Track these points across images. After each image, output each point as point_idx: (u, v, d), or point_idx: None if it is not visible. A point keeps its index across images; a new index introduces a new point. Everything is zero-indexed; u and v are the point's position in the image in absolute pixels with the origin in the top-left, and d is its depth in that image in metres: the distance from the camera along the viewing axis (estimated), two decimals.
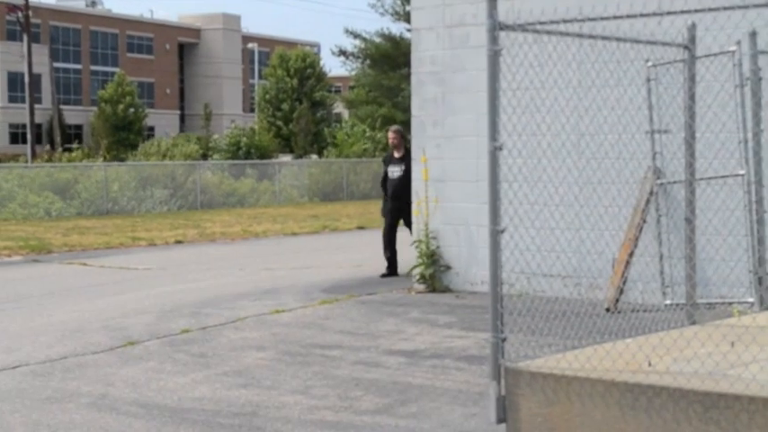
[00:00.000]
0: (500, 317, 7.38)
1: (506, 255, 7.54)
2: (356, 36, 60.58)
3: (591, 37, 7.87)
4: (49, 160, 46.12)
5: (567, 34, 7.69)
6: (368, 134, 48.46)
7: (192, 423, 8.03)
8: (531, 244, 8.34)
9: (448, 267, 14.74)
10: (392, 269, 16.52)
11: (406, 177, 15.84)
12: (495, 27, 7.00)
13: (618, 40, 8.12)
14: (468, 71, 14.36)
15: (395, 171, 16.49)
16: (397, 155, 16.62)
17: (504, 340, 7.44)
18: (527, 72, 7.93)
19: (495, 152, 7.20)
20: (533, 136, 8.96)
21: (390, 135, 16.95)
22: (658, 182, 12.33)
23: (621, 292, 12.07)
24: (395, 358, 10.29)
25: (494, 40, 7.02)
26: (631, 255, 12.24)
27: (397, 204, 16.29)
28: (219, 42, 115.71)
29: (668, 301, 11.88)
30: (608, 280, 12.27)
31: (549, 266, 9.58)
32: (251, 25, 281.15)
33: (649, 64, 11.98)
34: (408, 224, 15.89)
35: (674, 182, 12.07)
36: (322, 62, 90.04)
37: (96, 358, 10.52)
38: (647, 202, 12.30)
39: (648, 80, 12.19)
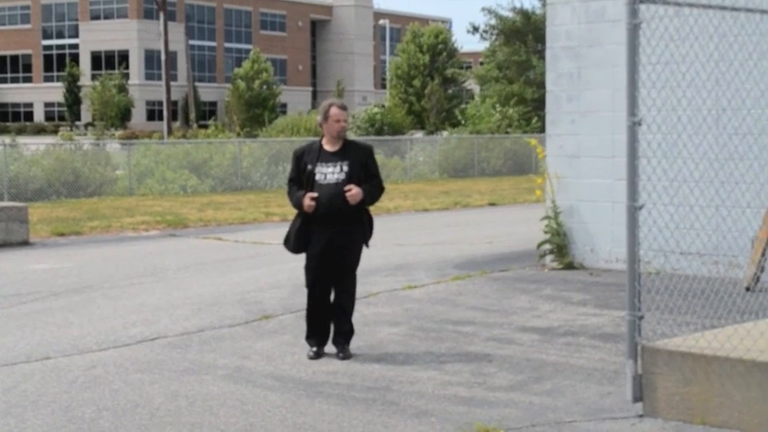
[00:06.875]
0: (637, 295, 7.28)
1: (644, 232, 7.43)
2: (491, 12, 60.38)
3: (733, 9, 7.68)
4: (184, 136, 46.85)
5: (709, 7, 7.52)
6: (499, 109, 48.05)
7: (327, 396, 8.10)
8: (669, 221, 8.18)
9: (581, 244, 14.58)
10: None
11: (352, 181, 9.29)
12: (635, 0, 6.90)
13: (762, 12, 7.91)
14: (605, 45, 14.16)
15: (329, 172, 9.33)
16: (331, 147, 9.43)
17: (641, 318, 7.33)
18: (667, 46, 7.77)
19: (633, 127, 7.10)
20: (672, 111, 8.79)
21: (338, 112, 9.32)
22: None
23: (762, 270, 11.79)
24: (528, 335, 10.23)
25: (633, 13, 6.91)
26: None
27: (337, 231, 9.34)
28: (351, 19, 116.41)
29: None
30: (748, 259, 12.00)
31: (688, 244, 9.41)
32: (381, 1, 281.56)
33: None
34: (355, 261, 9.65)
35: None
36: (453, 38, 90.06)
37: (232, 331, 10.68)
38: None
39: None
